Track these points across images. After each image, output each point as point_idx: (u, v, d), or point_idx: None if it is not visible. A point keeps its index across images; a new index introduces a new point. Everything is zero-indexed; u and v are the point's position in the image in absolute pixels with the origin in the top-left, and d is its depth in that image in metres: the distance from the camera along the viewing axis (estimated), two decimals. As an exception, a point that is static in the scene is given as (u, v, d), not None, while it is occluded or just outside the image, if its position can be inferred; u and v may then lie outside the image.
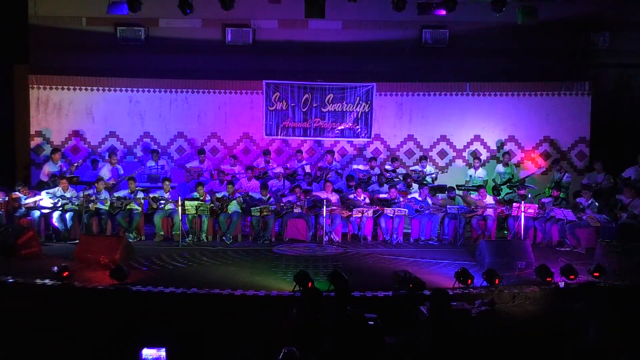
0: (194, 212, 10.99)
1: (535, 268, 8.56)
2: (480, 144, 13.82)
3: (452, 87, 13.76)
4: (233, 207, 11.35)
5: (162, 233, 11.26)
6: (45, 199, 11.10)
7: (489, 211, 11.53)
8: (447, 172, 13.72)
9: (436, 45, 13.89)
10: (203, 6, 12.66)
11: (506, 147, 13.68)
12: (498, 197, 12.41)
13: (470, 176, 12.87)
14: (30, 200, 11.13)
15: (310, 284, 7.39)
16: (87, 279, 8.25)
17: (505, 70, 13.78)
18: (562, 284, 8.17)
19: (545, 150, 13.72)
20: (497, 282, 8.01)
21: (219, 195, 11.50)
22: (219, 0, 11.93)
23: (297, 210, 11.46)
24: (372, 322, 5.96)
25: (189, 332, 6.73)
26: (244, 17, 13.72)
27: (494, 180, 12.96)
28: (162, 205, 11.30)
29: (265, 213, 11.20)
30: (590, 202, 11.10)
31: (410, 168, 13.30)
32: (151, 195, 11.52)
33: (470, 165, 13.26)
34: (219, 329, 6.85)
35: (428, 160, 13.24)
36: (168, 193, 11.48)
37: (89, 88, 13.61)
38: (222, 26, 13.88)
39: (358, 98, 13.70)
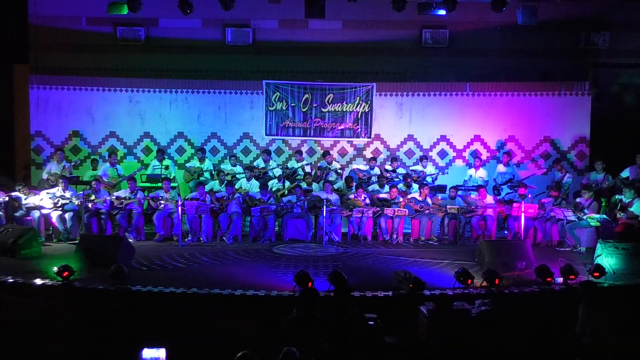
0: (194, 212, 11.00)
1: (535, 268, 8.55)
2: (481, 144, 13.82)
3: (452, 87, 13.74)
4: (233, 207, 11.35)
5: (162, 233, 11.27)
6: (45, 199, 11.09)
7: (489, 211, 11.51)
8: (447, 172, 13.72)
9: (436, 45, 13.91)
10: (203, 6, 12.65)
11: (506, 147, 13.68)
12: (498, 197, 12.40)
13: (470, 176, 12.85)
14: (30, 200, 11.13)
15: (310, 284, 7.39)
16: (87, 279, 8.25)
17: (505, 70, 13.78)
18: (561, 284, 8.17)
19: (545, 150, 13.72)
20: (497, 282, 8.02)
21: (219, 195, 11.50)
22: (219, 0, 11.94)
23: (297, 210, 11.47)
24: (372, 322, 5.97)
25: (189, 332, 6.73)
26: (244, 17, 13.73)
27: (494, 180, 12.96)
28: (162, 205, 11.30)
29: (265, 213, 11.21)
30: (590, 202, 11.09)
31: (411, 168, 13.29)
32: (151, 196, 11.52)
33: (470, 165, 13.27)
34: (219, 329, 6.86)
35: (428, 160, 13.24)
36: (168, 193, 11.48)
37: (89, 88, 13.59)
38: (222, 26, 13.90)
39: (358, 98, 13.69)
